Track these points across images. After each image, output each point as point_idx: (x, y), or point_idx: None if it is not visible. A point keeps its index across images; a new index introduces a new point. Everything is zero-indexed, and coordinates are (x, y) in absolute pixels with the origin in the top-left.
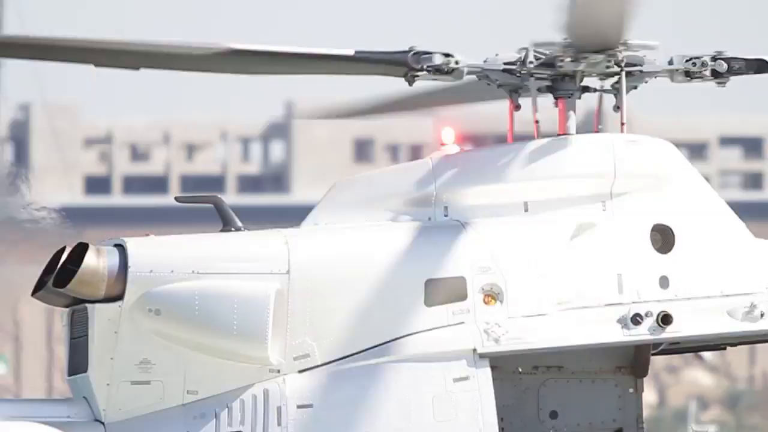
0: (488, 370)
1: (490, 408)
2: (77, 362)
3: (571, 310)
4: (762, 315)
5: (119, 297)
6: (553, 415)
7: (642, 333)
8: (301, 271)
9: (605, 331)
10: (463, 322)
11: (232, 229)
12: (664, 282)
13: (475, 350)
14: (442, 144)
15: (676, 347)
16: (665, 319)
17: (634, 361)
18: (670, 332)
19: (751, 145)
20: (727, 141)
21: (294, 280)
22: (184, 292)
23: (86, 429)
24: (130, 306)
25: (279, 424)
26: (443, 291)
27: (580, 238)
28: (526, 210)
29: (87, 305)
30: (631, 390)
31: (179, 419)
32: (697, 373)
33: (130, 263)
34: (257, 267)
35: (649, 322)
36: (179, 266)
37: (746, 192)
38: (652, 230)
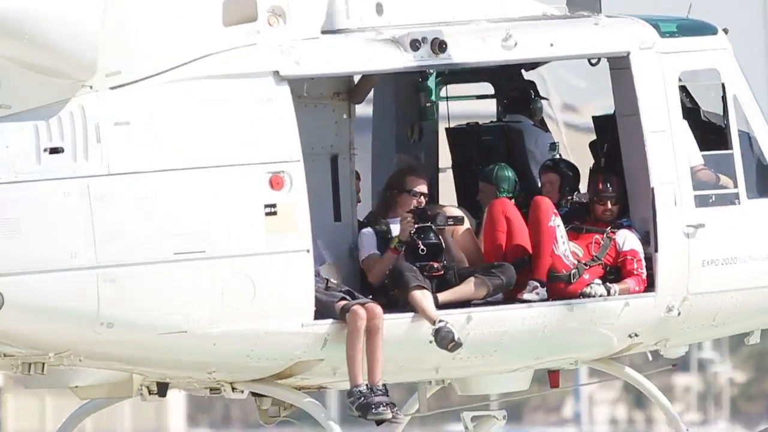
0: (288, 90)
1: (293, 129)
2: None
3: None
4: (516, 44)
5: None
6: None
7: (421, 58)
8: None
9: (389, 56)
10: (255, 44)
11: None
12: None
13: (277, 72)
14: None
15: None
16: (441, 46)
17: (352, 86)
18: (443, 59)
19: None
20: None
21: None
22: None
23: None
24: None
25: (98, 141)
26: (238, 11)
27: None
28: None
29: None
30: (345, 116)
31: None
32: None
33: None
34: None
35: (426, 48)
36: None
37: None
38: None
